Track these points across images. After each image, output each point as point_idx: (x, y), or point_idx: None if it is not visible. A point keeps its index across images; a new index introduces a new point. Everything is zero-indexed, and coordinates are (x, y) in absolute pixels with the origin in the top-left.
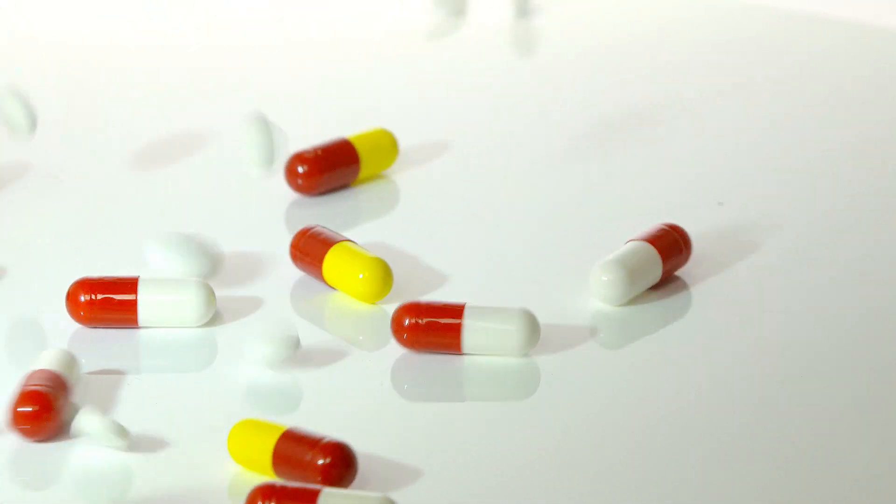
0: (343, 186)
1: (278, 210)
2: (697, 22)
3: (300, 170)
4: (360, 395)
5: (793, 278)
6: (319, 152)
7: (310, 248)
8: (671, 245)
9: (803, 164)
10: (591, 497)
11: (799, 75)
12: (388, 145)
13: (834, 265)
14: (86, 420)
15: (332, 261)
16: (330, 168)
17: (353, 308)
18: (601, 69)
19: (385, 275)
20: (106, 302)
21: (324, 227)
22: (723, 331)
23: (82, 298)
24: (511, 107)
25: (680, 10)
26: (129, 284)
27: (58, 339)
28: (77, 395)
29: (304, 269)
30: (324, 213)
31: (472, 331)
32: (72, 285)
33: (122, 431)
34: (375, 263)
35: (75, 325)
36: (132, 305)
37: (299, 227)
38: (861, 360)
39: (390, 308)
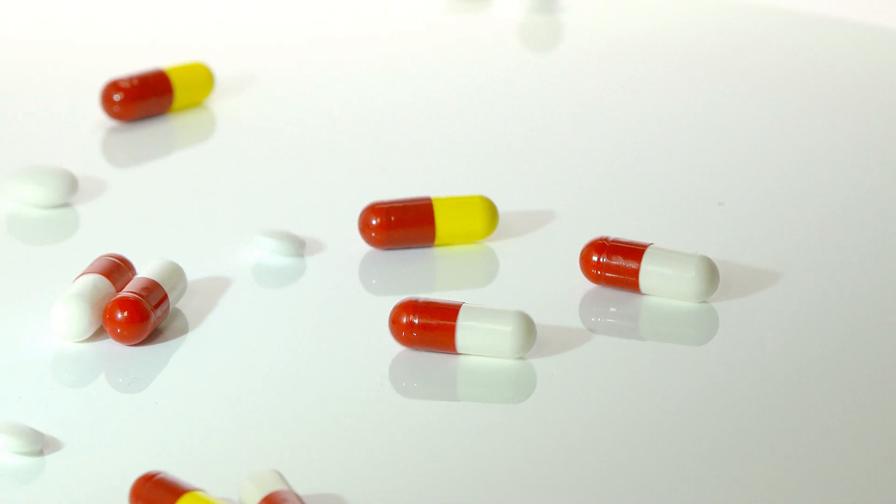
0: (159, 114)
1: (96, 136)
2: (697, 22)
3: (116, 97)
4: (360, 394)
5: (793, 277)
6: (135, 81)
7: (408, 216)
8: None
9: (803, 164)
10: (589, 497)
11: (799, 75)
12: (203, 77)
13: (833, 264)
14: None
15: (442, 212)
16: (144, 96)
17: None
18: (600, 68)
19: (493, 209)
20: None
21: (390, 200)
22: (720, 330)
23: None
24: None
25: (680, 10)
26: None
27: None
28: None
29: (397, 241)
30: (140, 139)
31: (465, 332)
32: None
33: (35, 437)
34: (483, 200)
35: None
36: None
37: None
38: (864, 357)
39: (496, 245)
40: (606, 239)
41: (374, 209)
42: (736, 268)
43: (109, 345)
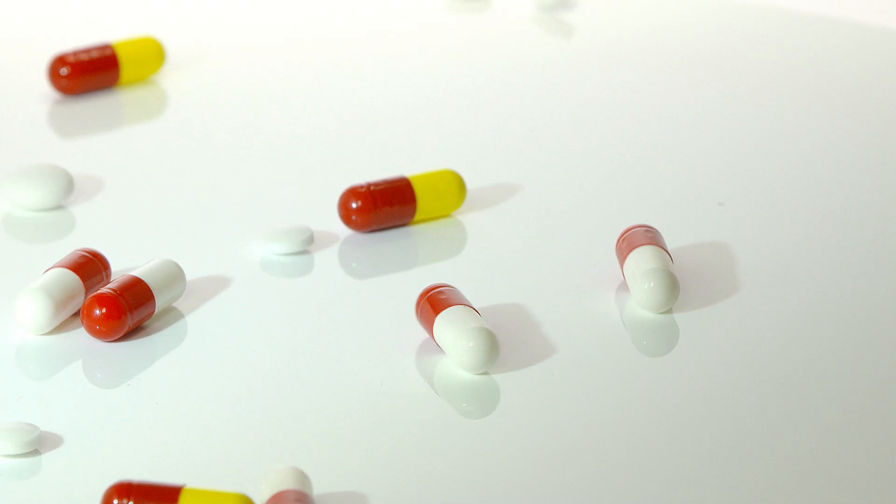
0: (107, 87)
1: (42, 109)
2: (697, 22)
3: (63, 72)
4: (359, 393)
5: (793, 279)
6: (81, 56)
7: (393, 196)
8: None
9: (803, 165)
10: (587, 497)
11: (799, 75)
12: (152, 51)
13: (833, 264)
14: None
15: (420, 188)
16: (90, 70)
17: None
18: (600, 67)
19: (462, 181)
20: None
21: (375, 182)
22: (719, 331)
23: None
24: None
25: (680, 10)
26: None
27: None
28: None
29: (384, 219)
30: (89, 112)
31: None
32: None
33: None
34: (451, 174)
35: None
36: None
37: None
38: (865, 359)
39: (465, 218)
40: (639, 226)
41: (355, 192)
42: (735, 268)
43: (110, 345)
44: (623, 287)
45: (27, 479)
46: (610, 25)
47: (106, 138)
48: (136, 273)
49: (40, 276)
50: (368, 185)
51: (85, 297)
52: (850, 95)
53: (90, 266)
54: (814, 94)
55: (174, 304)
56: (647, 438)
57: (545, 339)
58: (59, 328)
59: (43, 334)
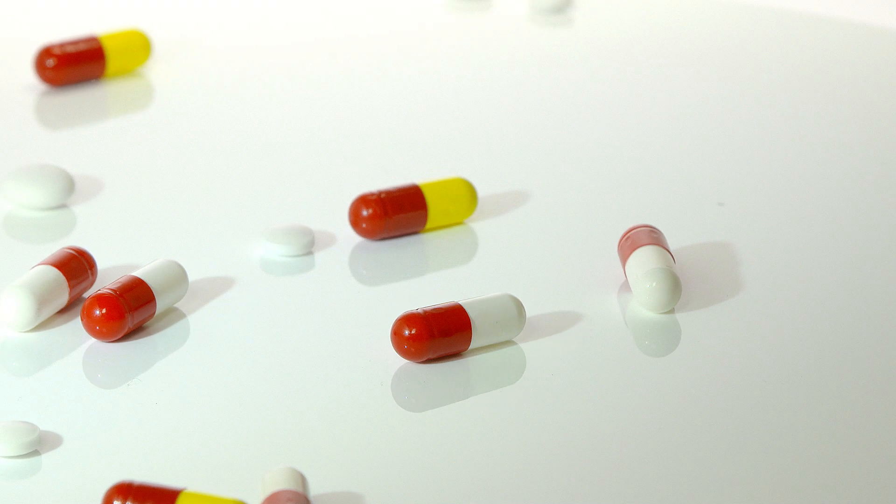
0: (93, 79)
1: (28, 101)
2: (697, 22)
3: (49, 63)
4: (359, 397)
5: (794, 278)
6: (68, 48)
7: (403, 204)
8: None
9: (803, 164)
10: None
11: (799, 75)
12: (139, 44)
13: (835, 263)
14: None
15: (431, 196)
16: (76, 62)
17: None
18: (600, 66)
19: (473, 190)
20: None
21: (386, 190)
22: (721, 331)
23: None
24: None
25: (679, 9)
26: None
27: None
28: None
29: (395, 227)
30: (76, 103)
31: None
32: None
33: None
34: (462, 182)
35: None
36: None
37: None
38: (867, 359)
39: (476, 226)
40: (641, 226)
41: (365, 200)
42: (737, 268)
43: (110, 345)
44: (625, 287)
45: (27, 479)
46: (611, 26)
47: (96, 131)
48: (138, 273)
49: (25, 272)
50: (379, 193)
51: (69, 295)
52: (850, 95)
53: (75, 263)
54: (814, 94)
55: (174, 304)
56: (648, 439)
57: (546, 340)
58: (43, 325)
59: (26, 332)
